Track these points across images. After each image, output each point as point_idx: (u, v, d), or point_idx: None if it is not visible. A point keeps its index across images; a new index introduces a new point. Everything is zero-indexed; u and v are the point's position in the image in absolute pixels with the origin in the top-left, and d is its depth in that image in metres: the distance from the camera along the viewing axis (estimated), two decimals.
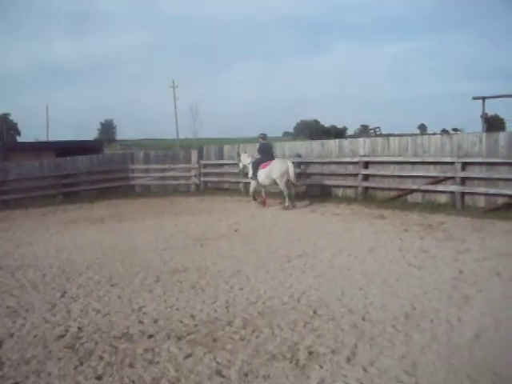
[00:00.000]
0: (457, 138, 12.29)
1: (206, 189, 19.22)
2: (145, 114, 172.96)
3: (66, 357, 4.51)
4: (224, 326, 5.07)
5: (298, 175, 14.78)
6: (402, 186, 13.10)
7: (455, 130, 64.99)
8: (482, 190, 11.38)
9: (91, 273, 7.50)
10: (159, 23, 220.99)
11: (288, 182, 13.61)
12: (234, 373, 4.04)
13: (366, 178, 13.94)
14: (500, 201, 11.15)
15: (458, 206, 11.67)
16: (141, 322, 5.34)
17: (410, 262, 7.31)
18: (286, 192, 13.59)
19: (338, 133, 74.41)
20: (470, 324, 4.87)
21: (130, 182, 20.04)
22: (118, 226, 11.94)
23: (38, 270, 7.87)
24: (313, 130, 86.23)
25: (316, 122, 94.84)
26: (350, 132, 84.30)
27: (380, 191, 13.77)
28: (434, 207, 11.97)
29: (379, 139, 14.60)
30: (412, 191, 12.92)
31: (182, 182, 19.64)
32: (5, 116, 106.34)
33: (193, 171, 19.60)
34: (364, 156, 13.98)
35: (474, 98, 29.12)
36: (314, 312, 5.38)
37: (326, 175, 15.15)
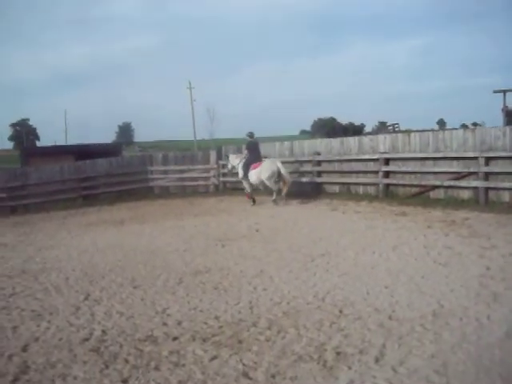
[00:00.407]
0: (479, 133, 12.06)
1: (225, 189, 19.22)
2: (162, 115, 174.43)
3: (92, 360, 4.49)
4: (249, 327, 5.02)
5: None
6: (424, 183, 12.92)
7: (475, 124, 64.25)
8: (507, 184, 11.18)
9: (113, 275, 7.50)
10: (173, 25, 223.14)
11: (280, 181, 14.33)
12: (261, 374, 3.99)
13: (387, 174, 13.79)
14: None
15: (482, 201, 11.47)
16: (165, 324, 5.31)
17: (435, 259, 7.19)
18: (274, 189, 14.32)
19: (355, 130, 74.12)
20: (500, 322, 4.75)
21: (149, 184, 20.12)
22: (138, 228, 11.97)
23: (60, 273, 7.89)
24: (330, 128, 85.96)
25: (333, 120, 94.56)
26: (367, 129, 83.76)
27: (401, 188, 13.61)
28: (456, 203, 11.78)
29: (400, 135, 14.43)
30: (434, 187, 12.75)
31: (201, 182, 19.66)
32: (24, 121, 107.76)
33: (211, 172, 19.60)
34: (384, 153, 13.83)
35: (495, 92, 28.74)
36: (340, 311, 5.30)
37: (346, 173, 15.05)
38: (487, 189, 11.52)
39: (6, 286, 7.25)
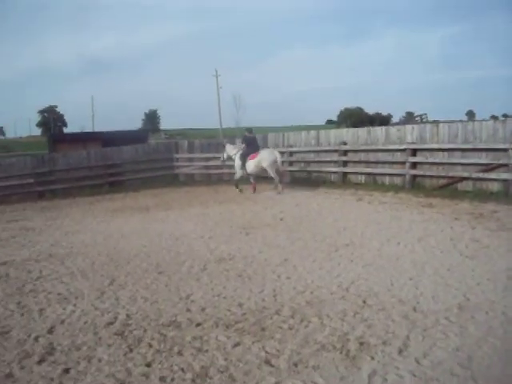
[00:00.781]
0: (510, 124, 11.79)
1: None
2: (188, 103, 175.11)
3: (116, 343, 4.56)
4: (272, 315, 5.02)
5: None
6: (452, 174, 12.71)
7: (506, 116, 63.02)
8: None
9: (138, 261, 7.58)
10: (202, 13, 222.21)
11: (277, 170, 14.86)
12: (284, 362, 3.99)
13: (414, 165, 13.61)
14: None
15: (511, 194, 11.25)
16: (188, 310, 5.35)
17: (462, 251, 7.09)
18: (276, 179, 14.81)
19: (382, 120, 73.34)
20: None
21: (175, 171, 20.24)
22: (163, 215, 12.06)
23: (86, 257, 8.00)
24: (356, 118, 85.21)
25: (360, 110, 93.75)
26: (395, 119, 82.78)
27: (428, 179, 13.41)
28: (485, 196, 11.56)
29: (428, 126, 14.23)
30: (462, 179, 12.53)
31: (226, 170, 19.68)
32: (52, 108, 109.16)
33: None
34: (412, 143, 13.65)
35: None
36: (364, 302, 5.27)
37: (373, 163, 14.92)
38: None
39: (34, 270, 7.39)
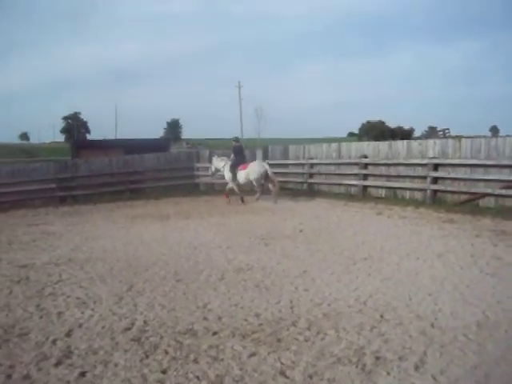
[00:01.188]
0: None
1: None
2: (210, 113, 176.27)
3: (132, 349, 4.59)
4: (288, 327, 5.02)
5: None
6: (474, 190, 12.57)
7: None
8: None
9: (157, 268, 7.63)
10: (223, 25, 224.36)
11: (268, 182, 15.53)
12: (299, 374, 3.99)
13: (435, 180, 13.50)
14: None
15: None
16: (205, 318, 5.36)
17: (482, 268, 7.01)
18: (259, 190, 15.53)
19: (404, 134, 72.80)
20: None
21: (195, 180, 20.37)
22: (183, 223, 12.12)
23: (105, 263, 8.08)
24: (378, 131, 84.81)
25: (381, 123, 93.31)
26: (417, 134, 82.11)
27: (450, 195, 13.28)
28: (507, 213, 11.36)
29: (450, 141, 14.10)
30: (484, 195, 12.39)
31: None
32: (76, 114, 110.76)
33: None
34: (434, 158, 13.55)
35: None
36: (381, 316, 5.24)
37: (393, 177, 14.84)
38: None
39: (53, 273, 7.49)
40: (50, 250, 9.26)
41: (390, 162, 14.93)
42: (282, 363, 4.19)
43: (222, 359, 4.31)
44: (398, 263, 7.43)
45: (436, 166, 13.47)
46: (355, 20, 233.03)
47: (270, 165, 19.09)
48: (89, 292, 6.47)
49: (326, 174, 17.37)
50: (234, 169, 15.86)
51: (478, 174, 12.43)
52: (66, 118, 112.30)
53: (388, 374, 3.95)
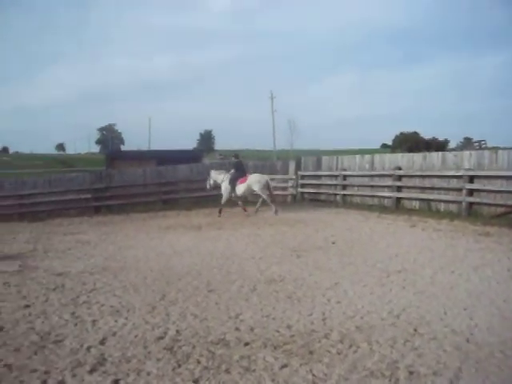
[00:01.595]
0: None
1: (303, 200, 19.23)
2: (243, 125, 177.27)
3: (165, 358, 4.63)
4: (320, 339, 4.99)
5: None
6: (511, 203, 12.32)
7: None
8: None
9: (190, 278, 7.68)
10: (258, 38, 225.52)
11: (270, 193, 16.11)
12: None
13: (471, 192, 13.27)
14: None
15: None
16: (237, 329, 5.38)
17: None
18: (268, 200, 15.95)
19: (439, 146, 71.57)
20: None
21: None
22: (215, 234, 12.19)
23: (139, 272, 8.18)
24: (412, 143, 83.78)
25: (415, 135, 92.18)
26: (452, 145, 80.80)
27: (486, 207, 13.03)
28: None
29: (486, 152, 13.87)
30: None
31: (279, 192, 19.73)
32: (111, 126, 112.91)
33: (290, 182, 19.65)
34: (469, 169, 13.33)
35: None
36: (415, 330, 5.16)
37: (428, 189, 14.65)
38: None
39: (88, 282, 7.62)
40: (85, 259, 9.42)
41: (424, 173, 14.76)
42: (313, 375, 4.17)
43: (254, 370, 4.31)
44: (432, 276, 7.32)
45: (472, 178, 13.25)
46: (387, 33, 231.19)
47: (303, 176, 19.25)
48: (122, 301, 6.56)
49: (358, 186, 17.27)
50: (233, 182, 16.34)
51: None
52: (101, 130, 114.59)
53: None
